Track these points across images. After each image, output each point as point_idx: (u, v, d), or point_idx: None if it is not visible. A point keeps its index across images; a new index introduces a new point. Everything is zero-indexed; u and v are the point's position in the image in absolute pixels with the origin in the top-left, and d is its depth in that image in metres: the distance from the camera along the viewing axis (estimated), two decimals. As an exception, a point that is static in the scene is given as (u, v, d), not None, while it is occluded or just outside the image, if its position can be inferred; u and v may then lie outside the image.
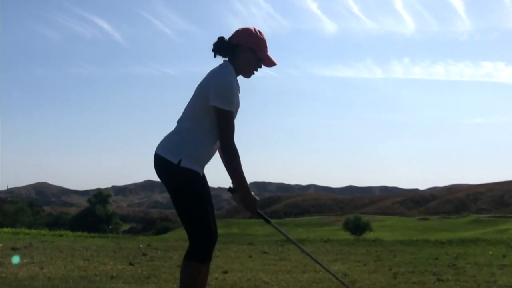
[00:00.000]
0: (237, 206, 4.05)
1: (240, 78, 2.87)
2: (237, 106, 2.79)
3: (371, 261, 7.30)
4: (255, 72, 2.90)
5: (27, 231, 16.65)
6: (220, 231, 2.89)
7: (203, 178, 2.79)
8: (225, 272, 5.83)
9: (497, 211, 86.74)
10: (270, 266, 6.67)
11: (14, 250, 7.96)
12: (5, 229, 16.67)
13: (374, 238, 17.89)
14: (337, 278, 3.59)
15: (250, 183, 2.82)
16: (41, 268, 5.82)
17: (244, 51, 2.82)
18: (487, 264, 6.60)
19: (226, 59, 2.86)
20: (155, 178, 2.83)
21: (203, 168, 2.78)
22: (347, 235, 34.09)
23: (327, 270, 3.48)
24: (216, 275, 5.52)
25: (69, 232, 17.72)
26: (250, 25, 2.95)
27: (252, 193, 2.79)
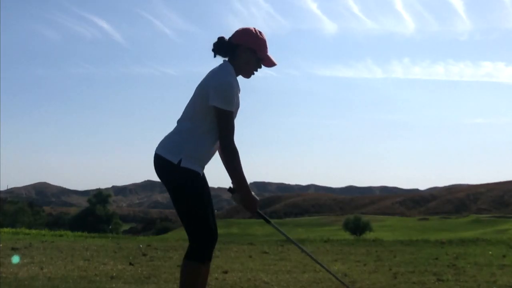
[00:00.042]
0: (237, 206, 4.05)
1: (240, 78, 2.87)
2: (237, 106, 2.80)
3: (371, 261, 7.30)
4: (255, 72, 2.90)
5: (27, 231, 16.66)
6: (220, 231, 2.90)
7: (203, 178, 2.79)
8: (225, 272, 5.83)
9: (497, 211, 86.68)
10: (270, 266, 6.67)
11: (14, 250, 7.97)
12: (5, 229, 16.67)
13: (374, 238, 17.89)
14: (337, 278, 3.59)
15: (250, 183, 2.82)
16: (41, 268, 5.82)
17: (244, 51, 2.82)
18: (487, 264, 6.60)
19: (226, 59, 2.86)
20: (155, 178, 2.83)
21: (203, 168, 2.79)
22: (347, 235, 34.08)
23: (327, 270, 3.49)
24: (216, 275, 5.52)
25: (69, 232, 17.72)
26: (250, 25, 2.95)
27: (252, 193, 2.79)
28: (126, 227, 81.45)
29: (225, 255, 8.02)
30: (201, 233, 2.71)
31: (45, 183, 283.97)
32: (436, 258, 7.49)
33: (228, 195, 3.01)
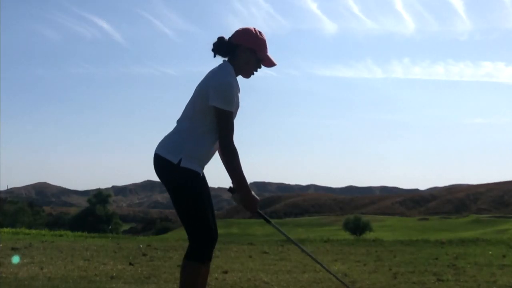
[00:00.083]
0: (237, 206, 4.05)
1: (239, 78, 2.87)
2: (237, 106, 2.79)
3: (371, 261, 7.30)
4: (255, 72, 2.90)
5: (27, 231, 16.66)
6: (220, 231, 2.89)
7: (203, 178, 2.79)
8: (225, 272, 5.83)
9: (497, 211, 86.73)
10: (270, 266, 6.67)
11: (14, 250, 7.96)
12: (5, 229, 16.67)
13: (374, 238, 17.88)
14: (337, 278, 3.59)
15: (250, 183, 2.82)
16: (41, 268, 5.82)
17: (244, 51, 2.82)
18: (487, 264, 6.60)
19: (226, 59, 2.86)
20: (155, 178, 2.84)
21: (203, 168, 2.78)
22: (347, 235, 34.08)
23: (327, 270, 3.48)
24: (216, 275, 5.52)
25: (69, 232, 17.72)
26: (250, 25, 2.95)
27: (253, 192, 2.79)
28: (126, 227, 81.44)
29: (225, 255, 8.02)
30: (201, 233, 2.71)
31: (45, 183, 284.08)
32: (436, 258, 7.49)
33: (228, 195, 3.01)
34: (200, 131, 2.73)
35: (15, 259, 6.55)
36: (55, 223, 61.48)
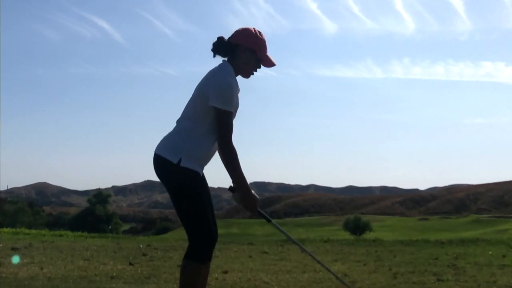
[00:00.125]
0: (237, 206, 4.05)
1: (239, 78, 2.87)
2: (236, 106, 2.80)
3: (371, 261, 7.30)
4: (254, 72, 2.90)
5: (27, 231, 16.67)
6: (220, 231, 2.89)
7: (202, 178, 2.79)
8: (225, 272, 5.83)
9: (497, 211, 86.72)
10: (270, 266, 6.67)
11: (14, 250, 7.97)
12: (5, 229, 16.69)
13: (374, 238, 17.89)
14: (337, 278, 3.59)
15: (250, 183, 2.82)
16: (41, 268, 5.82)
17: (243, 51, 2.82)
18: (487, 264, 6.60)
19: (226, 59, 2.86)
20: (155, 178, 2.84)
21: (203, 168, 2.78)
22: (347, 235, 34.09)
23: (328, 270, 3.48)
24: (216, 275, 5.52)
25: (69, 232, 17.74)
26: (250, 25, 2.95)
27: (253, 191, 2.79)
28: (126, 227, 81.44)
29: (225, 255, 8.02)
30: (200, 233, 2.70)
31: (45, 183, 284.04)
32: (436, 258, 7.50)
33: (228, 195, 3.02)
34: (200, 131, 2.73)
35: (15, 259, 6.55)
36: (55, 223, 61.49)
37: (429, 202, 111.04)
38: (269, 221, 3.09)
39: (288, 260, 7.35)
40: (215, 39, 2.85)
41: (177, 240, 12.97)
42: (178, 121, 2.82)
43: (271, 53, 2.89)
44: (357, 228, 41.90)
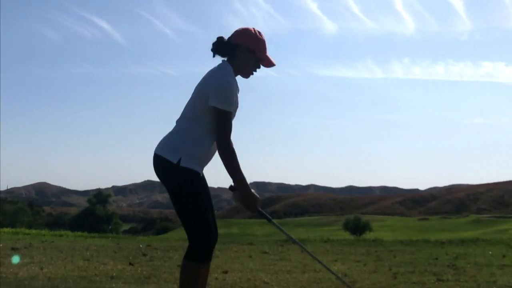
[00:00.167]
0: (237, 206, 4.05)
1: (239, 78, 2.87)
2: (236, 106, 2.80)
3: (371, 261, 7.30)
4: (254, 72, 2.90)
5: (27, 231, 16.69)
6: (220, 231, 2.89)
7: (202, 178, 2.79)
8: (225, 272, 5.84)
9: (497, 211, 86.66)
10: (270, 266, 6.67)
11: (14, 250, 7.97)
12: (5, 229, 16.70)
13: (374, 238, 17.90)
14: (338, 278, 3.59)
15: (250, 183, 2.81)
16: (41, 268, 5.82)
17: (243, 51, 2.82)
18: (487, 264, 6.61)
19: (225, 59, 2.86)
20: (155, 178, 2.83)
21: (203, 168, 2.78)
22: (347, 235, 34.08)
23: (328, 269, 3.48)
24: (216, 275, 5.52)
25: (69, 232, 17.75)
26: (250, 25, 2.95)
27: (253, 191, 2.78)
28: (126, 227, 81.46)
29: (225, 255, 8.02)
30: (200, 233, 2.70)
31: (45, 183, 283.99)
32: (436, 258, 7.50)
33: (228, 195, 3.02)
34: (200, 131, 2.72)
35: (15, 259, 6.55)
36: (55, 223, 61.54)
37: (429, 202, 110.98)
38: (269, 220, 3.09)
39: (288, 260, 7.35)
40: (215, 39, 2.85)
41: (177, 240, 12.97)
42: (178, 121, 2.82)
43: (271, 53, 2.89)
44: (357, 228, 41.90)
